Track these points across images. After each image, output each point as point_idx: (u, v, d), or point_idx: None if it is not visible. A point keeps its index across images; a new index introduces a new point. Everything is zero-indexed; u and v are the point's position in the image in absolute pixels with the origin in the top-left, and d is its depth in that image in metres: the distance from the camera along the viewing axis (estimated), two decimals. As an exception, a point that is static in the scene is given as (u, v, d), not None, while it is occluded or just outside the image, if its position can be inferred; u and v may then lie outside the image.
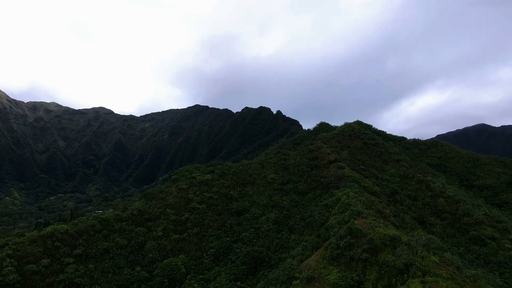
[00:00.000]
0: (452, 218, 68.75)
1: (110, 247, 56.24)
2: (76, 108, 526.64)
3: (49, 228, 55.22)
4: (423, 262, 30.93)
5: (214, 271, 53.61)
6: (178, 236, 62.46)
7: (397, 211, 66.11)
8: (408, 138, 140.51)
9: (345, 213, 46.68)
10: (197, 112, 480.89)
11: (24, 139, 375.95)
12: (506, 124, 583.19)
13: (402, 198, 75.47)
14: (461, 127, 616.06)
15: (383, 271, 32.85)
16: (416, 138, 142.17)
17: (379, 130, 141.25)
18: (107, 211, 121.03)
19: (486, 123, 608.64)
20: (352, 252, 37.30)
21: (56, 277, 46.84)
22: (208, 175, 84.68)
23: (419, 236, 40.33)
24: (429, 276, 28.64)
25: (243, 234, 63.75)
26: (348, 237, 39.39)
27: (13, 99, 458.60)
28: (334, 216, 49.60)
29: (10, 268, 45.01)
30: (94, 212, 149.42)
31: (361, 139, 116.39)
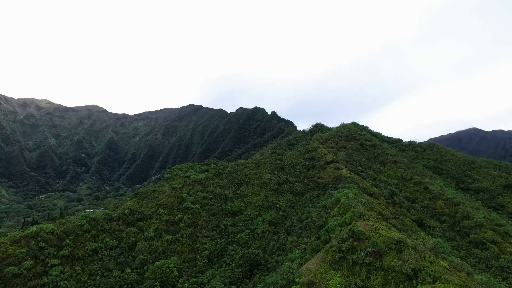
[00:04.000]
0: (451, 221, 67.47)
1: (98, 248, 53.46)
2: (68, 105, 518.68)
3: (33, 228, 52.25)
4: (433, 267, 29.10)
5: (208, 274, 51.30)
6: (170, 237, 59.97)
7: (396, 213, 64.54)
8: (404, 140, 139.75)
9: (346, 215, 44.82)
10: (191, 111, 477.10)
11: (13, 136, 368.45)
12: (497, 129, 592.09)
13: (400, 200, 74.01)
14: (453, 131, 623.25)
15: (389, 277, 30.97)
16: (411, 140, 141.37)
17: (375, 132, 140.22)
18: (98, 211, 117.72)
19: (477, 127, 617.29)
20: (355, 255, 35.37)
21: (39, 280, 43.96)
22: (202, 174, 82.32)
23: (424, 240, 38.62)
24: (440, 282, 26.81)
25: (238, 235, 61.57)
26: (350, 240, 37.48)
27: (2, 95, 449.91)
28: (334, 217, 47.69)
29: (-11, 270, 42.13)
30: (84, 212, 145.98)
31: (358, 140, 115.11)
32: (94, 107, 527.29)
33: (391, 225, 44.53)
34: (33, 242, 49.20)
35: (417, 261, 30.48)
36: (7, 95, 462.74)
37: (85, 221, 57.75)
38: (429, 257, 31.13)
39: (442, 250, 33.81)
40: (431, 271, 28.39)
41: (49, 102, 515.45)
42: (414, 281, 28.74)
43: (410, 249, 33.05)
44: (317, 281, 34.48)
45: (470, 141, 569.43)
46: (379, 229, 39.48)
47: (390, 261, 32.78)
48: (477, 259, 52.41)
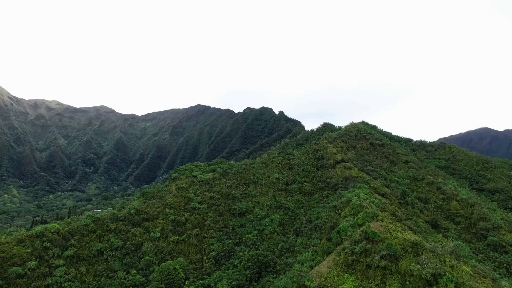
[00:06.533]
0: (467, 223, 64.93)
1: (104, 249, 52.54)
2: (77, 106, 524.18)
3: (38, 227, 51.54)
4: (454, 273, 27.17)
5: (215, 276, 49.91)
6: (177, 237, 58.80)
7: (409, 214, 62.34)
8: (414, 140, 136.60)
9: (358, 216, 42.97)
10: (198, 111, 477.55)
11: (24, 136, 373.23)
12: (510, 128, 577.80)
13: (413, 201, 71.66)
14: (463, 131, 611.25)
15: (406, 282, 29.12)
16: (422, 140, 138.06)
17: (384, 131, 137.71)
18: (105, 210, 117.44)
19: (489, 126, 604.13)
20: (369, 258, 33.56)
21: (43, 281, 43.10)
22: (209, 174, 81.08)
23: (442, 242, 36.54)
24: (463, 289, 24.93)
25: (246, 236, 60.10)
26: (363, 242, 35.66)
27: (14, 96, 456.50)
28: (346, 218, 45.89)
29: (-7, 270, 41.32)
30: (92, 211, 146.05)
31: (368, 140, 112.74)
32: (103, 107, 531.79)
33: (406, 227, 42.52)
34: (38, 242, 48.45)
35: (436, 265, 28.54)
36: (18, 96, 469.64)
37: (91, 221, 56.93)
38: (449, 261, 29.16)
39: (463, 254, 31.75)
40: (453, 276, 26.45)
41: (59, 103, 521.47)
42: (434, 287, 26.84)
43: (429, 252, 31.11)
44: (329, 285, 32.78)
45: (481, 141, 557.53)
46: (393, 230, 37.59)
47: (407, 265, 30.92)
48: (496, 263, 49.97)
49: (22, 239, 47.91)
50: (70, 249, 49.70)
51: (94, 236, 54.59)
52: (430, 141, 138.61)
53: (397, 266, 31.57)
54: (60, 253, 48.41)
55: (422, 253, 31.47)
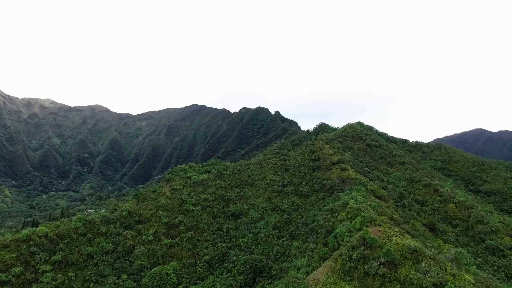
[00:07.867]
0: (464, 225, 64.17)
1: (94, 253, 50.90)
2: (72, 105, 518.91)
3: (25, 231, 49.72)
4: (457, 282, 26.13)
5: (208, 280, 48.56)
6: (170, 240, 57.30)
7: (406, 217, 61.45)
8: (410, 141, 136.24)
9: (356, 220, 41.87)
10: (194, 111, 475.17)
11: (17, 135, 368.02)
12: (504, 129, 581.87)
13: (410, 203, 70.81)
14: (458, 132, 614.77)
15: (406, 291, 28.03)
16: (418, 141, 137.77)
17: (381, 132, 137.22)
18: (99, 211, 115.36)
19: (483, 128, 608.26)
20: (367, 265, 32.43)
21: (28, 288, 41.49)
22: (203, 175, 79.60)
23: (441, 248, 35.52)
24: (466, 300, 23.87)
25: (241, 239, 58.79)
26: (361, 248, 34.53)
27: (7, 95, 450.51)
28: (343, 222, 44.77)
29: (-25, 277, 39.56)
30: (86, 212, 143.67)
31: (364, 141, 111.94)
32: (98, 106, 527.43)
33: (404, 231, 41.48)
34: (24, 246, 46.63)
35: (438, 274, 27.47)
36: (11, 95, 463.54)
37: (81, 224, 55.15)
38: (451, 269, 28.10)
39: (465, 262, 30.71)
40: (455, 286, 25.39)
41: (53, 102, 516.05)
42: (435, 297, 25.79)
43: (429, 260, 30.05)
44: (326, 293, 31.59)
45: (476, 141, 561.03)
46: (392, 236, 36.51)
47: (407, 272, 29.83)
48: (495, 267, 49.16)
49: (7, 244, 46.08)
50: (59, 254, 47.97)
51: (84, 240, 52.89)
52: (426, 142, 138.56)
53: (396, 274, 30.48)
54: (47, 258, 46.66)
55: (422, 260, 30.40)
